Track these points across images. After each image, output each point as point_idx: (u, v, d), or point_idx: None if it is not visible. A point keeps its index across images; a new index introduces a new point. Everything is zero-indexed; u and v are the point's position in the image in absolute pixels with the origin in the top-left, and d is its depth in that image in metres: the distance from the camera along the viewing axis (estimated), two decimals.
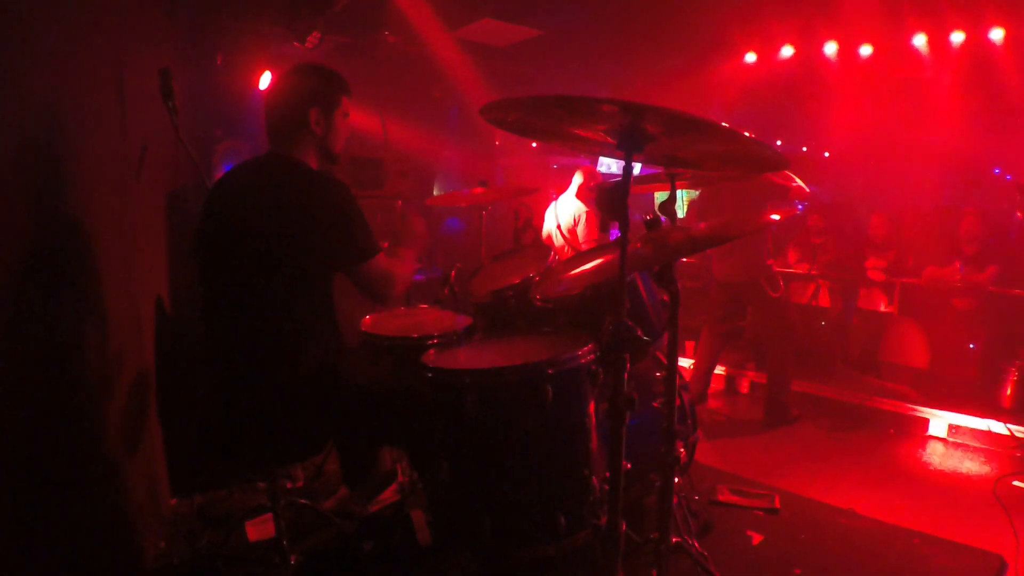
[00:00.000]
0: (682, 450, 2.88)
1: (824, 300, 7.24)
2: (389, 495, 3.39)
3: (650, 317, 2.81)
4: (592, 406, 2.40)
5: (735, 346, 6.96)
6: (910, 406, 5.44)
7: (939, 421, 5.24)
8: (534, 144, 10.73)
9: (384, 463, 3.49)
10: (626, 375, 1.87)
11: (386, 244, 3.64)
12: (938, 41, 7.57)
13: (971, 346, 5.55)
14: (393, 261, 2.69)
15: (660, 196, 2.64)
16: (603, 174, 7.00)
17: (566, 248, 6.06)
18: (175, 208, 3.84)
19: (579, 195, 6.20)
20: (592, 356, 2.37)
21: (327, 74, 2.64)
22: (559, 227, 6.20)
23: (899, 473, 4.21)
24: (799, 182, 4.93)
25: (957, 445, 5.10)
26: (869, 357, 6.18)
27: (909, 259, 6.90)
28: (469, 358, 2.58)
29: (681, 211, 9.99)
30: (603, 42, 7.96)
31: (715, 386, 6.36)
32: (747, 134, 1.84)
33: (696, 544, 2.73)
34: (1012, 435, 4.86)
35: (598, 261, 3.02)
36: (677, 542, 2.64)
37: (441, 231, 8.87)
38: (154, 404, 3.26)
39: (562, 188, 6.41)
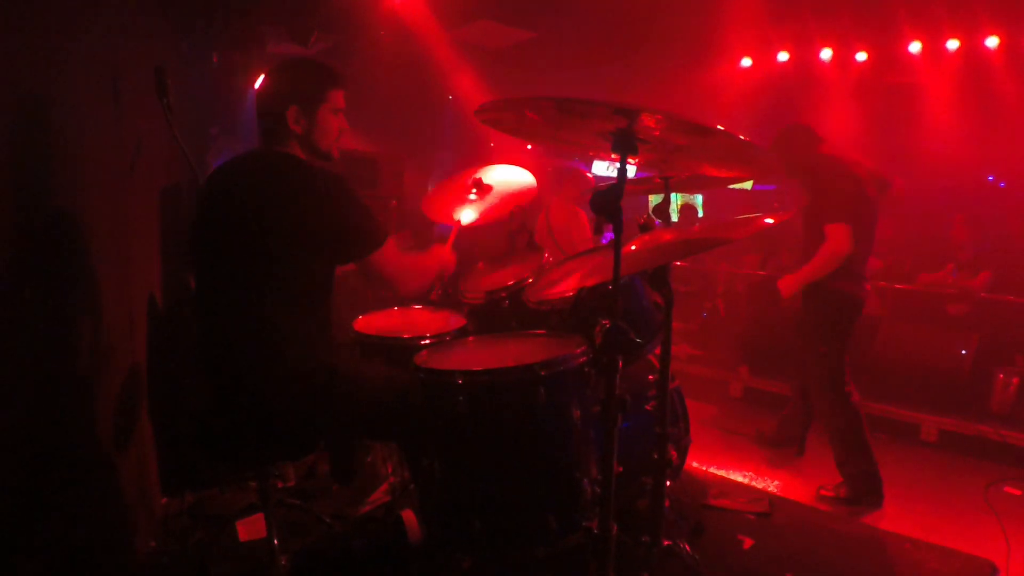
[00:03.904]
0: (674, 453, 2.89)
1: None
2: (380, 495, 3.39)
3: (643, 320, 2.81)
4: (584, 408, 2.39)
5: (727, 344, 6.96)
6: (901, 411, 5.45)
7: (930, 426, 5.25)
8: (529, 147, 10.75)
9: (375, 461, 3.49)
10: (618, 377, 1.87)
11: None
12: (933, 48, 7.61)
13: (963, 352, 5.55)
14: (408, 254, 2.66)
15: (654, 199, 2.65)
16: (595, 177, 7.00)
17: (558, 251, 6.06)
18: (169, 206, 3.83)
19: (566, 195, 6.20)
20: (585, 358, 2.36)
21: (310, 69, 2.56)
22: (550, 230, 6.20)
23: (890, 478, 4.21)
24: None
25: (948, 451, 5.11)
26: (861, 361, 6.18)
27: (905, 264, 6.93)
28: (462, 359, 2.58)
29: (674, 215, 10.01)
30: (599, 46, 7.98)
31: (708, 389, 6.35)
32: (742, 137, 1.84)
33: (687, 547, 2.73)
34: (1003, 441, 4.88)
35: (592, 263, 3.02)
36: (668, 545, 2.64)
37: (435, 233, 8.86)
38: (145, 402, 3.25)
39: (556, 191, 6.42)
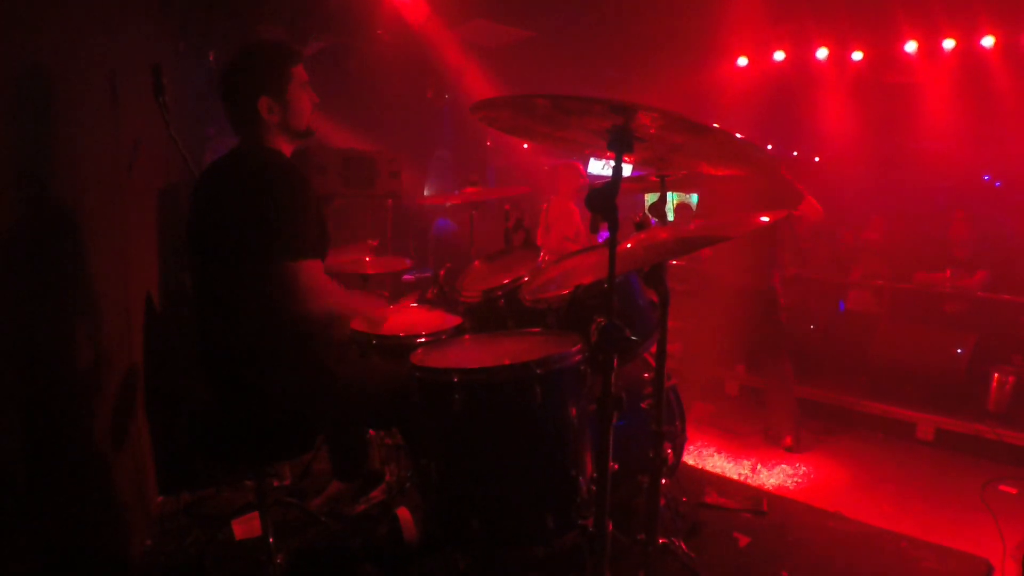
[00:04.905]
0: (670, 451, 2.89)
1: (813, 303, 7.26)
2: (377, 495, 3.39)
3: (639, 318, 2.81)
4: (580, 407, 2.39)
5: (724, 346, 6.95)
6: (898, 410, 5.45)
7: (927, 425, 5.26)
8: (526, 145, 10.75)
9: (374, 461, 3.49)
10: (614, 375, 1.87)
11: (376, 242, 3.63)
12: (930, 48, 7.62)
13: (959, 351, 5.56)
14: (334, 284, 2.48)
15: (651, 197, 2.65)
16: (589, 175, 6.99)
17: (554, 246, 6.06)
18: (167, 205, 3.83)
19: (564, 193, 6.20)
20: (581, 356, 2.36)
21: (267, 54, 2.51)
22: (548, 229, 6.21)
23: (887, 476, 4.22)
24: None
25: (945, 449, 5.12)
26: (858, 361, 6.19)
27: (902, 263, 6.94)
28: (458, 358, 2.57)
29: (671, 213, 10.02)
30: (595, 45, 7.98)
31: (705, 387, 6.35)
32: (738, 136, 1.84)
33: (683, 545, 2.73)
34: (1000, 440, 4.88)
35: (588, 262, 3.02)
36: (664, 543, 2.65)
37: (432, 231, 8.86)
38: (142, 401, 3.25)
39: (554, 190, 6.42)
